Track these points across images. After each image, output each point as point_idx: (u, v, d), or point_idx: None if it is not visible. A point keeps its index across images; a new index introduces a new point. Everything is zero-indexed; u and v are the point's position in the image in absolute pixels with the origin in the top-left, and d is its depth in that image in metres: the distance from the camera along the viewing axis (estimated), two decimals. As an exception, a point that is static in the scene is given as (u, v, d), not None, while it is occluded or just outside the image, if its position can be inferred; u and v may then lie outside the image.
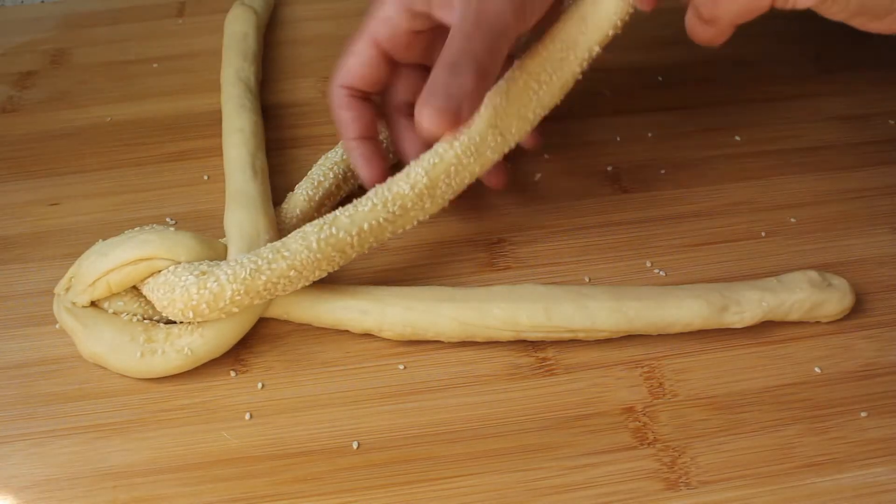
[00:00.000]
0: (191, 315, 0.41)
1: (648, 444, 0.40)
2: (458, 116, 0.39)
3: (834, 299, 0.44)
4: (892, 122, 0.57)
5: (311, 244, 0.42)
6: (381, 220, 0.43)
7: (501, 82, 0.43)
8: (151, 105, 0.60)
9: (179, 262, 0.42)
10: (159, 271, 0.42)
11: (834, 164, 0.55)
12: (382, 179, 0.44)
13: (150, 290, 0.42)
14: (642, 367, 0.43)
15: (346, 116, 0.45)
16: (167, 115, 0.59)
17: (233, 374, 0.43)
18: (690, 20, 0.40)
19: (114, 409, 0.42)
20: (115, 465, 0.39)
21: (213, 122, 0.58)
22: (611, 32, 0.43)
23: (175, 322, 0.43)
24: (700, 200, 0.52)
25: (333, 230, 0.42)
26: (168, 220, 0.51)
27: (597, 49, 0.44)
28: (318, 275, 0.43)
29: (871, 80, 0.60)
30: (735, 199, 0.52)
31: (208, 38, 0.65)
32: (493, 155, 0.43)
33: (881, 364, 0.43)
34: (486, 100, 0.43)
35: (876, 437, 0.40)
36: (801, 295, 0.43)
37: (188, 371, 0.43)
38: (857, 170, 0.54)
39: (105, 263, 0.42)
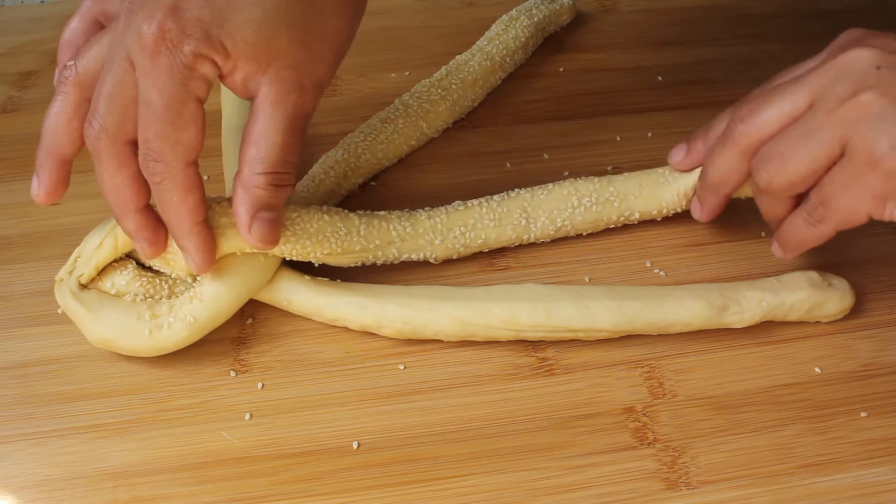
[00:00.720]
0: None
1: (648, 444, 0.40)
2: (280, 225, 0.41)
3: (834, 299, 0.44)
4: (892, 122, 0.57)
5: (321, 206, 0.44)
6: (391, 227, 0.45)
7: (551, 184, 0.48)
8: (151, 105, 0.59)
9: None
10: None
11: (834, 164, 0.55)
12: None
13: None
14: (642, 367, 0.43)
15: (197, 198, 0.39)
16: (167, 115, 0.59)
17: (233, 374, 0.43)
18: (796, 223, 0.41)
19: (114, 408, 0.42)
20: (115, 464, 0.39)
21: (212, 122, 0.57)
22: (654, 212, 0.48)
23: (176, 296, 0.43)
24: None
25: (346, 211, 0.45)
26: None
27: (637, 216, 0.48)
28: (320, 245, 0.43)
29: (871, 80, 0.60)
30: (735, 199, 0.52)
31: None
32: (511, 233, 0.47)
33: (881, 364, 0.43)
34: (525, 190, 0.47)
35: (876, 437, 0.40)
36: (801, 295, 0.43)
37: (188, 371, 0.43)
38: (857, 170, 0.54)
39: (111, 222, 0.43)
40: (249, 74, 0.37)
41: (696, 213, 0.46)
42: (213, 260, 0.41)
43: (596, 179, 0.48)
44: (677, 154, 0.46)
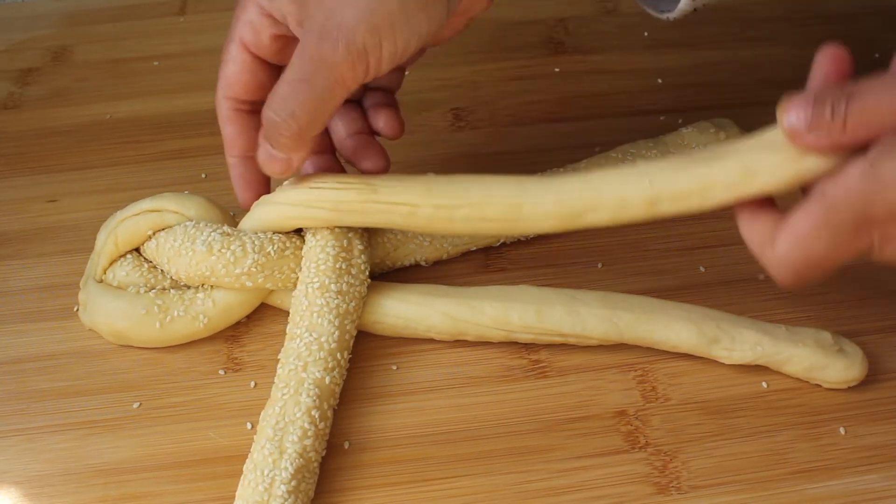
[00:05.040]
0: (202, 270, 0.42)
1: (640, 447, 0.40)
2: (287, 164, 0.40)
3: (837, 367, 0.41)
4: (893, 126, 0.57)
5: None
6: (386, 239, 0.46)
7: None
8: (151, 103, 0.60)
9: (188, 218, 0.44)
10: (169, 227, 0.43)
11: (834, 168, 0.54)
12: (256, 199, 0.44)
13: (161, 241, 0.43)
14: (636, 370, 0.43)
15: (229, 132, 0.43)
16: (167, 113, 0.59)
17: (225, 372, 0.43)
18: None
19: (107, 405, 0.42)
20: (106, 461, 0.40)
21: (212, 121, 0.58)
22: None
23: (181, 287, 0.44)
24: (698, 204, 0.52)
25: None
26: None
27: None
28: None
29: (873, 85, 0.60)
30: (733, 202, 0.52)
31: (209, 37, 0.65)
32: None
33: (875, 371, 0.42)
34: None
35: (869, 444, 0.40)
36: (801, 351, 0.41)
37: (181, 369, 0.43)
38: (856, 174, 0.54)
39: (119, 215, 0.44)
40: (297, 19, 0.37)
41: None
42: (249, 197, 0.44)
43: (561, 170, 0.49)
44: (797, 115, 0.33)
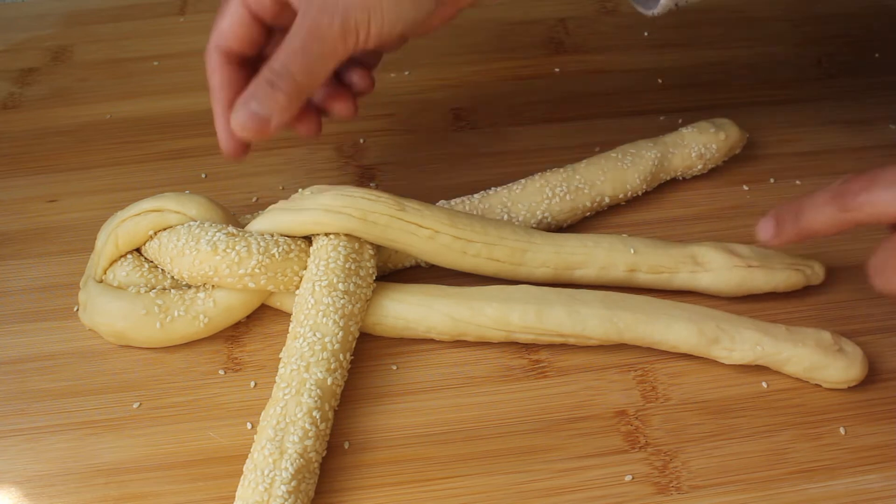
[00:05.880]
0: (206, 269, 0.42)
1: (640, 447, 0.40)
2: (266, 125, 0.41)
3: (837, 366, 0.41)
4: (892, 126, 0.57)
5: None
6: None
7: (523, 180, 0.49)
8: (151, 103, 0.60)
9: (189, 217, 0.43)
10: (171, 227, 0.43)
11: (834, 167, 0.54)
12: (242, 154, 0.44)
13: (164, 241, 0.43)
14: (636, 370, 0.43)
15: (217, 80, 0.44)
16: (167, 113, 0.59)
17: (225, 372, 0.43)
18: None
19: (107, 405, 0.42)
20: (107, 461, 0.40)
21: (212, 121, 0.58)
22: (620, 196, 0.50)
23: (181, 287, 0.44)
24: (699, 203, 0.52)
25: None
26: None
27: (607, 200, 0.50)
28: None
29: (872, 85, 0.60)
30: (734, 202, 0.52)
31: (209, 37, 0.65)
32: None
33: (875, 371, 0.43)
34: (502, 187, 0.48)
35: (869, 444, 0.40)
36: (801, 351, 0.41)
37: (182, 369, 0.43)
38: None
39: (120, 215, 0.44)
40: None
41: (766, 235, 0.40)
42: (233, 147, 0.43)
43: (561, 170, 0.50)
44: (765, 230, 0.40)
